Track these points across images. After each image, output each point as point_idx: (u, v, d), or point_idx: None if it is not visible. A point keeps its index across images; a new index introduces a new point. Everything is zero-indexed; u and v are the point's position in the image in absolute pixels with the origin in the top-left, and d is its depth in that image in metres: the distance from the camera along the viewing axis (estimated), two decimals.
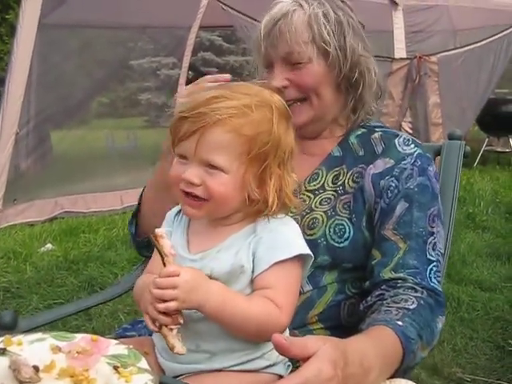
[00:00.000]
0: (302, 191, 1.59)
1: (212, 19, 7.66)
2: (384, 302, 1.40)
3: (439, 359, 3.21)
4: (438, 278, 1.50)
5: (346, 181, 1.59)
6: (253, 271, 1.26)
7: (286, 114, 1.31)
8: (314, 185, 1.61)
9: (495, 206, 6.74)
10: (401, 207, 1.53)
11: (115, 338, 1.45)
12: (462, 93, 7.61)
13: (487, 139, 10.06)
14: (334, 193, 1.59)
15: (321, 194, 1.60)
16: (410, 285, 1.43)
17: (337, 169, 1.62)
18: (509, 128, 9.77)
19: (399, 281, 1.45)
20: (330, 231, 1.53)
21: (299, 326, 1.48)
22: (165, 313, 1.16)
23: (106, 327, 3.68)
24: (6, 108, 5.97)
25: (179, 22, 7.56)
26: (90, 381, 1.06)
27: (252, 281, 1.27)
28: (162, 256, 1.19)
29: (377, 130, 1.66)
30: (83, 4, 6.53)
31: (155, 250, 1.38)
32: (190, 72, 8.51)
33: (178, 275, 1.16)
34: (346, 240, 1.53)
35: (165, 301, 1.15)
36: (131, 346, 1.14)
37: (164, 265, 1.19)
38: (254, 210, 1.29)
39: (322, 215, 1.56)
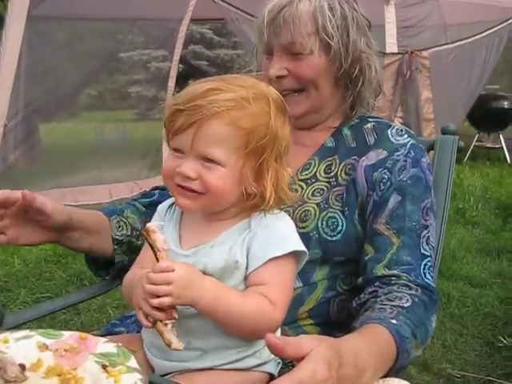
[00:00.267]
0: (295, 181, 1.57)
1: (203, 12, 7.63)
2: (378, 299, 1.38)
3: (429, 355, 3.21)
4: (432, 273, 1.48)
5: (339, 172, 1.57)
6: (247, 267, 1.24)
7: (282, 107, 1.30)
8: (306, 174, 1.59)
9: (485, 201, 6.76)
10: (393, 200, 1.51)
11: (104, 334, 1.43)
12: (453, 88, 7.61)
13: (477, 135, 10.09)
14: (326, 184, 1.57)
15: (313, 183, 1.57)
16: (404, 282, 1.41)
17: (329, 159, 1.60)
18: (499, 124, 9.82)
19: (393, 278, 1.43)
20: (322, 224, 1.51)
21: (289, 322, 1.46)
22: (159, 308, 1.13)
23: (95, 321, 3.66)
24: None
25: (170, 15, 7.52)
26: (78, 380, 1.04)
27: (246, 277, 1.25)
28: (154, 251, 1.16)
29: (370, 120, 1.64)
30: None
31: (146, 244, 1.37)
32: (180, 65, 8.46)
33: (172, 271, 1.13)
34: (338, 233, 1.51)
35: (158, 296, 1.12)
36: (120, 344, 1.12)
37: (157, 260, 1.16)
38: (250, 204, 1.27)
39: (314, 207, 1.53)
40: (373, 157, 1.56)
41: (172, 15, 7.52)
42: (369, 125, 1.62)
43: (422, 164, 1.56)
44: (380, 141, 1.58)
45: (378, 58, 1.66)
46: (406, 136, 1.60)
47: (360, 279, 1.49)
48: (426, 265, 1.47)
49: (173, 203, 1.39)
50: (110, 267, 1.69)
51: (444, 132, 1.91)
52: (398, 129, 1.62)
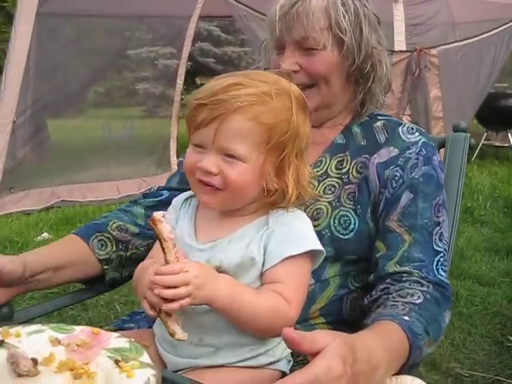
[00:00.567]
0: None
1: (211, 9, 7.63)
2: (390, 296, 1.38)
3: (437, 354, 3.19)
4: (445, 268, 1.48)
5: (350, 170, 1.56)
6: (263, 264, 1.24)
7: (303, 104, 1.30)
8: (318, 171, 1.58)
9: (493, 200, 6.73)
10: (405, 198, 1.51)
11: (114, 330, 1.43)
12: (461, 86, 7.58)
13: (486, 133, 10.04)
14: (338, 180, 1.56)
15: (325, 180, 1.57)
16: (415, 278, 1.41)
17: (340, 155, 1.59)
18: (507, 122, 9.75)
19: (404, 274, 1.42)
20: (334, 222, 1.51)
21: (301, 320, 1.45)
22: (164, 298, 1.12)
23: (102, 317, 3.67)
24: (4, 96, 5.95)
25: (177, 12, 7.52)
26: (90, 374, 1.04)
27: (261, 274, 1.24)
28: (160, 241, 1.15)
29: (379, 118, 1.64)
30: None
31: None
32: (188, 62, 8.46)
33: (186, 271, 1.12)
34: (350, 232, 1.50)
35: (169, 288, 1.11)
36: (132, 340, 1.11)
37: (163, 250, 1.15)
38: (270, 201, 1.27)
39: (326, 206, 1.53)
40: (384, 154, 1.55)
41: (180, 12, 7.51)
42: (379, 123, 1.62)
43: (433, 162, 1.56)
44: (391, 139, 1.58)
45: (387, 55, 1.66)
46: (417, 134, 1.59)
47: (371, 276, 1.48)
48: (439, 261, 1.46)
49: (188, 197, 1.39)
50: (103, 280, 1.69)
51: (455, 129, 1.90)
52: (408, 127, 1.61)
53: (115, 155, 7.42)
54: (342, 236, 1.50)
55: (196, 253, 1.25)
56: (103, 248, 1.64)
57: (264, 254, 1.24)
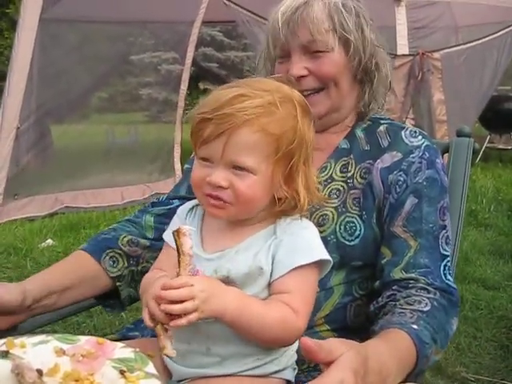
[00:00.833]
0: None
1: (213, 14, 7.63)
2: (397, 303, 1.37)
3: (443, 358, 3.17)
4: (452, 272, 1.48)
5: (355, 174, 1.56)
6: (271, 274, 1.23)
7: (306, 109, 1.29)
8: (323, 176, 1.57)
9: (497, 203, 6.71)
10: (410, 202, 1.50)
11: (118, 339, 1.43)
12: (464, 90, 7.57)
13: (489, 136, 10.04)
14: (343, 184, 1.56)
15: (329, 184, 1.56)
16: (422, 285, 1.41)
17: (345, 159, 1.59)
18: (511, 125, 9.76)
19: (411, 281, 1.42)
20: (340, 228, 1.51)
21: (306, 328, 1.45)
22: (168, 316, 1.11)
23: (107, 324, 3.66)
24: (8, 102, 5.96)
25: (180, 17, 7.54)
26: None
27: (269, 284, 1.24)
28: (178, 253, 1.15)
29: (382, 122, 1.64)
30: None
31: (164, 247, 1.35)
32: (191, 67, 8.47)
33: (191, 285, 1.11)
34: (356, 238, 1.50)
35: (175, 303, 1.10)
36: (138, 350, 1.11)
37: (178, 263, 1.14)
38: (280, 209, 1.26)
39: (332, 211, 1.53)
40: (387, 159, 1.55)
41: (182, 18, 7.53)
42: (381, 127, 1.62)
43: (436, 165, 1.56)
44: (394, 143, 1.58)
45: (389, 59, 1.66)
46: (420, 137, 1.59)
47: (377, 283, 1.48)
48: (446, 265, 1.46)
49: (194, 206, 1.38)
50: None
51: (459, 134, 1.90)
52: (411, 130, 1.61)
53: (119, 161, 7.43)
54: (347, 242, 1.50)
55: (203, 262, 1.24)
56: (115, 265, 1.61)
57: (272, 263, 1.23)
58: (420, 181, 1.52)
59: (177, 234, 1.15)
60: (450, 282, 1.44)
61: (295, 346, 1.30)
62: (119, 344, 1.14)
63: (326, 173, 1.58)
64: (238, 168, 1.20)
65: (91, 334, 1.64)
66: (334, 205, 1.53)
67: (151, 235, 1.67)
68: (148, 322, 1.15)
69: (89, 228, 5.84)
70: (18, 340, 1.13)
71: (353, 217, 1.52)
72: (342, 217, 1.52)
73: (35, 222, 6.06)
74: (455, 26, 8.75)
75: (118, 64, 8.11)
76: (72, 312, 1.76)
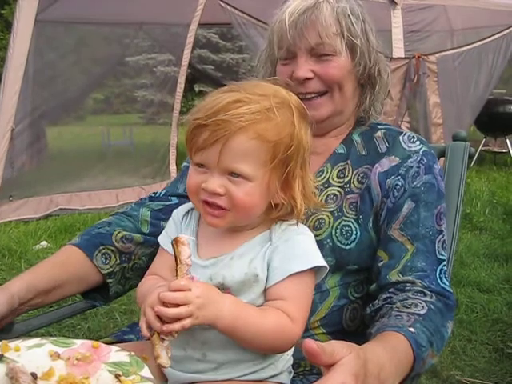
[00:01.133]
0: None
1: (209, 16, 7.63)
2: (393, 306, 1.37)
3: (438, 362, 3.17)
4: (448, 276, 1.48)
5: (352, 179, 1.56)
6: (266, 281, 1.23)
7: (304, 113, 1.28)
8: (319, 181, 1.57)
9: (492, 206, 6.73)
10: (407, 207, 1.50)
11: (114, 342, 1.42)
12: (460, 93, 7.59)
13: (484, 139, 10.06)
14: (339, 189, 1.56)
15: (326, 189, 1.56)
16: (418, 288, 1.41)
17: (342, 164, 1.59)
18: (506, 128, 9.78)
19: (407, 284, 1.42)
20: (336, 232, 1.50)
21: None
22: (163, 320, 1.10)
23: (102, 326, 3.65)
24: (2, 104, 5.94)
25: (176, 19, 7.53)
26: None
27: (265, 290, 1.23)
28: (176, 262, 1.14)
29: (379, 127, 1.64)
30: (79, 0, 6.50)
31: (160, 251, 1.35)
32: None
33: (188, 290, 1.10)
34: (352, 242, 1.50)
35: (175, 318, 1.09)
36: (133, 353, 1.11)
37: (176, 272, 1.13)
38: (276, 215, 1.25)
39: (328, 215, 1.52)
40: (385, 164, 1.55)
41: (178, 20, 7.52)
42: (379, 133, 1.62)
43: (434, 170, 1.56)
44: (392, 148, 1.58)
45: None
46: (418, 143, 1.59)
47: (373, 285, 1.48)
48: (442, 269, 1.46)
49: (189, 210, 1.37)
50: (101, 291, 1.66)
51: (455, 138, 1.90)
52: (409, 135, 1.61)
53: (114, 163, 7.43)
54: (343, 246, 1.49)
55: (198, 270, 1.23)
56: (107, 261, 1.61)
57: (267, 270, 1.22)
58: (418, 185, 1.52)
59: (175, 242, 1.14)
60: (446, 286, 1.44)
61: (291, 350, 1.30)
62: (114, 348, 1.14)
63: (322, 177, 1.58)
64: (234, 175, 1.19)
65: (86, 337, 1.64)
66: (330, 209, 1.54)
67: (146, 230, 1.67)
68: (145, 331, 1.14)
69: (83, 230, 5.81)
70: (13, 343, 1.13)
71: (349, 221, 1.51)
72: (338, 221, 1.52)
73: (30, 224, 6.04)
74: (451, 29, 8.78)
75: (114, 66, 8.13)
76: (67, 315, 1.76)
